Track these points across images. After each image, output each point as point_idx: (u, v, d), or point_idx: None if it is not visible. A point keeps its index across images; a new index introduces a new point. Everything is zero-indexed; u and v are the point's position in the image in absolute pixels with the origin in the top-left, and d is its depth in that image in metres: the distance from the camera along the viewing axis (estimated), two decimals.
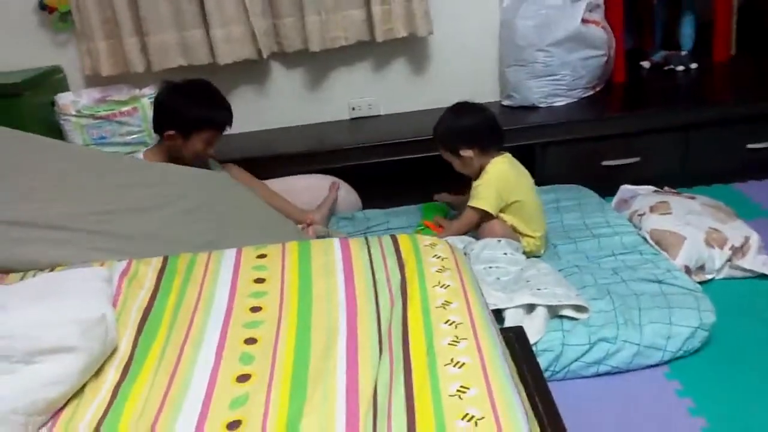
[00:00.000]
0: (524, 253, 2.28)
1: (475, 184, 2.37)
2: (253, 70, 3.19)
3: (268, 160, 2.94)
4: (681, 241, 2.27)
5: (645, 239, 2.38)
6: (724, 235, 2.29)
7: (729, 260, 2.26)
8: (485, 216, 2.33)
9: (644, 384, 1.85)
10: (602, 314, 1.95)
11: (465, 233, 2.41)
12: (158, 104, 2.50)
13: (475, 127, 2.36)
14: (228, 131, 2.53)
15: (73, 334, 1.23)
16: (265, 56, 3.06)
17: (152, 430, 1.12)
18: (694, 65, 3.45)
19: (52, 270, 1.68)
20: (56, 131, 2.99)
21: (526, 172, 2.42)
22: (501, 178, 2.33)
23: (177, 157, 2.40)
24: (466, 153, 2.35)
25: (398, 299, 1.40)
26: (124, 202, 1.97)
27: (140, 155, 2.49)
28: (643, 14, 3.88)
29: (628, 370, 1.90)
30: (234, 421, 1.12)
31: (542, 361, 1.80)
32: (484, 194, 2.33)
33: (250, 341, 1.33)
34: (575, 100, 3.12)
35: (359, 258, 1.59)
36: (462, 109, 2.43)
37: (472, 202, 2.35)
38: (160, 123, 2.45)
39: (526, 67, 3.05)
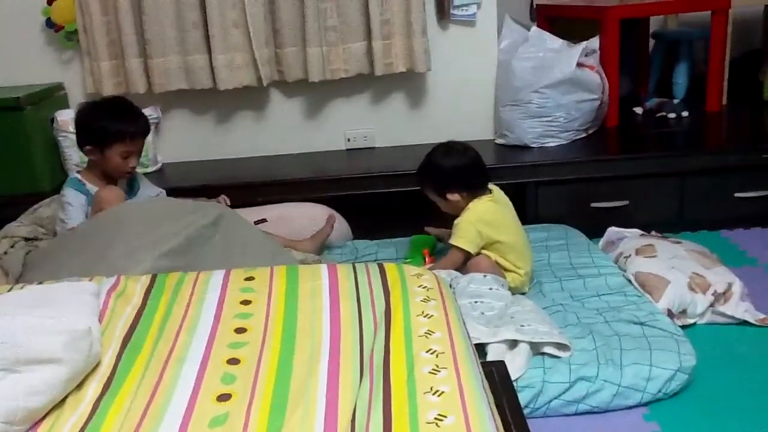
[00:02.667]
0: (509, 288, 2.29)
1: (456, 221, 2.37)
2: (252, 97, 3.24)
3: (263, 185, 2.97)
4: (665, 284, 2.29)
5: (630, 281, 2.40)
6: (708, 280, 2.31)
7: (712, 305, 2.29)
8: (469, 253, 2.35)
9: (623, 424, 1.86)
10: (584, 353, 1.96)
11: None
12: (75, 122, 2.52)
13: (460, 171, 2.36)
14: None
15: (58, 345, 1.24)
16: (265, 84, 3.11)
17: None
18: (685, 113, 3.51)
19: (41, 283, 1.69)
20: (54, 147, 3.02)
21: (511, 209, 2.43)
22: (482, 219, 2.33)
23: (106, 175, 2.44)
24: (454, 197, 2.36)
25: (381, 326, 1.42)
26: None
27: (75, 175, 2.49)
28: (640, 62, 3.97)
29: (607, 410, 1.90)
30: None
31: (522, 397, 1.80)
32: (463, 233, 2.34)
33: (233, 361, 1.35)
34: (568, 141, 3.17)
35: (345, 284, 1.61)
36: (446, 152, 2.40)
37: (453, 240, 2.36)
38: (79, 141, 2.46)
39: (521, 107, 3.10)
